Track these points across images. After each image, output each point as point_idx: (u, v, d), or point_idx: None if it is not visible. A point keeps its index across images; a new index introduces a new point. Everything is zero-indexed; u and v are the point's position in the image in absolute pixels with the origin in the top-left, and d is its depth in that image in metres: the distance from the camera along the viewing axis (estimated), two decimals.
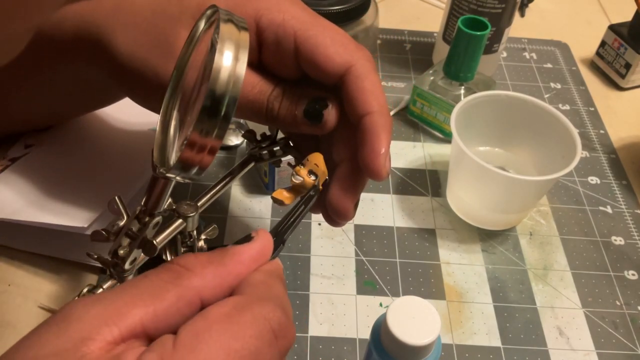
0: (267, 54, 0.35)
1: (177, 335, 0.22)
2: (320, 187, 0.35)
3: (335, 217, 0.37)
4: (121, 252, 0.31)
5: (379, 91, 0.34)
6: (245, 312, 0.23)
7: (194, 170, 0.27)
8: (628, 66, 0.67)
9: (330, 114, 0.35)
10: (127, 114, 0.53)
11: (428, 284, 0.48)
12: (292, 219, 0.31)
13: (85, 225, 0.42)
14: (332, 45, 0.34)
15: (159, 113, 0.32)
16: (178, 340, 0.21)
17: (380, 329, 0.33)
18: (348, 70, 0.34)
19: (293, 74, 0.36)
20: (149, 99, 0.38)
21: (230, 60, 0.25)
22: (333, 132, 0.36)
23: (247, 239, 0.27)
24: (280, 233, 0.30)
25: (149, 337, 0.23)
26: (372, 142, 0.34)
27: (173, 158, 0.29)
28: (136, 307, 0.22)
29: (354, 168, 0.36)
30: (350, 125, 0.35)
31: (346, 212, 0.36)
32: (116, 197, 0.32)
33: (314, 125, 0.35)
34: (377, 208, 0.53)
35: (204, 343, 0.21)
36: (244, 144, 0.57)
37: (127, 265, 0.31)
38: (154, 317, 0.22)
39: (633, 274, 0.50)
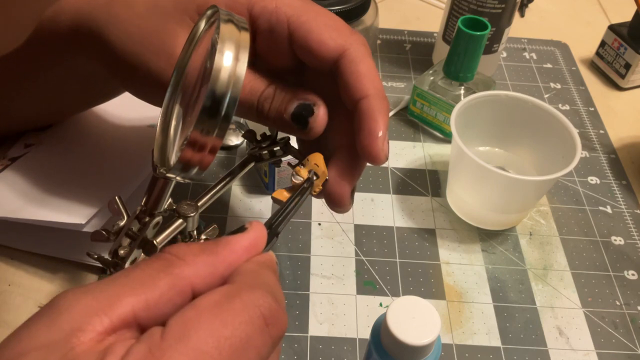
0: (261, 42, 0.35)
1: (166, 326, 0.21)
2: (320, 187, 0.35)
3: (331, 205, 0.37)
4: (121, 252, 0.31)
5: (374, 74, 0.34)
6: (235, 299, 0.22)
7: (194, 171, 0.27)
8: (628, 66, 0.67)
9: (316, 122, 0.34)
10: (125, 111, 0.53)
11: (428, 284, 0.48)
12: (285, 212, 0.31)
13: (83, 222, 0.42)
14: (326, 30, 0.34)
15: (158, 106, 0.32)
16: (167, 330, 0.21)
17: (380, 329, 0.33)
18: (342, 55, 0.34)
19: (288, 62, 0.36)
20: (146, 92, 0.38)
21: (231, 61, 0.25)
22: (330, 120, 0.36)
23: (241, 229, 0.26)
24: (273, 226, 0.30)
25: (141, 327, 0.22)
26: (369, 125, 0.33)
27: (173, 158, 0.29)
28: (127, 296, 0.22)
29: (350, 155, 0.36)
30: (345, 111, 0.35)
31: (342, 198, 0.36)
32: (116, 197, 0.32)
33: (300, 130, 0.34)
34: (377, 208, 0.53)
35: (192, 331, 0.21)
36: (244, 144, 0.57)
37: (127, 265, 0.31)
38: (146, 306, 0.22)
39: (633, 274, 0.50)
